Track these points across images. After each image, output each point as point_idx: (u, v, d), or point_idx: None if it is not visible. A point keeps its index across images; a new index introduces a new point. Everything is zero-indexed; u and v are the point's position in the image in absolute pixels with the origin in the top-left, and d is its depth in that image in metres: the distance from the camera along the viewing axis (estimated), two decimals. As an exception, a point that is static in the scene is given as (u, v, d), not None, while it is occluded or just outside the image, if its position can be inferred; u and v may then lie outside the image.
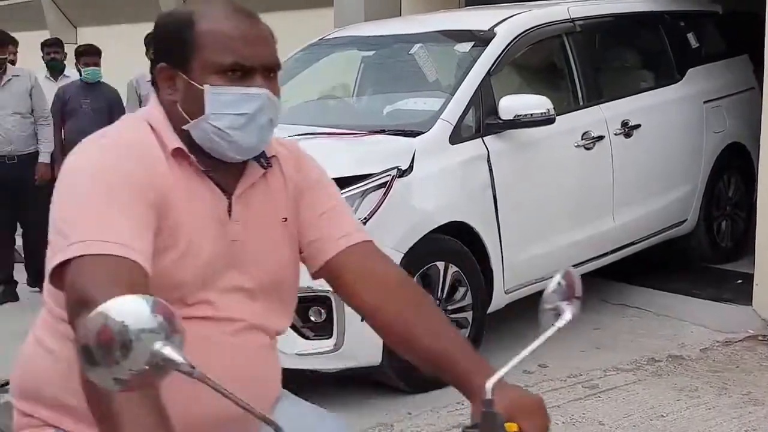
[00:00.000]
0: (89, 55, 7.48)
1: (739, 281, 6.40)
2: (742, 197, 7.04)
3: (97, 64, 7.47)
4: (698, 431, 4.25)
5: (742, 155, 6.97)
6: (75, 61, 7.57)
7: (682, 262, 6.84)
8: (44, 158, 6.84)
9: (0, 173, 6.65)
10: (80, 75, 7.50)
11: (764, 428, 4.28)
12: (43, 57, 8.46)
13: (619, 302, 6.19)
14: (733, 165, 6.90)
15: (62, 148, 7.33)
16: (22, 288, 6.78)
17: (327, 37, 6.35)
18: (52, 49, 8.40)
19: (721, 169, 6.75)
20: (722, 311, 5.96)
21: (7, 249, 6.88)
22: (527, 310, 5.58)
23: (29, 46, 8.53)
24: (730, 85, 6.91)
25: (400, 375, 4.59)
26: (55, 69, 8.36)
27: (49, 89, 7.71)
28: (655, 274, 6.62)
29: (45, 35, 9.89)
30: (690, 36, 6.78)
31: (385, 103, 5.56)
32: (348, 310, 4.26)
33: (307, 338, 4.43)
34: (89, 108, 7.32)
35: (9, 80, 6.68)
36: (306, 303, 4.39)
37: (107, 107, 7.39)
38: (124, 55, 7.50)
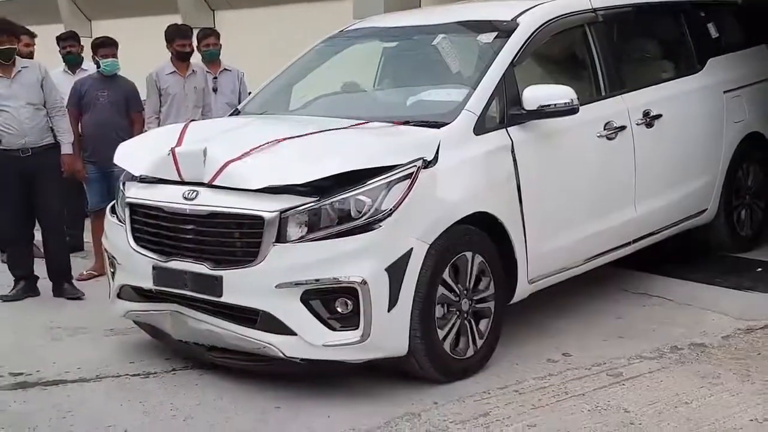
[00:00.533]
0: (106, 46, 7.48)
1: (759, 269, 6.45)
2: (761, 187, 7.04)
3: (115, 56, 7.46)
4: (722, 417, 4.27)
5: (761, 145, 6.97)
6: (92, 53, 7.59)
7: (702, 251, 6.86)
8: (67, 149, 6.77)
9: (16, 166, 6.56)
10: (98, 67, 7.50)
11: (787, 414, 4.31)
12: (59, 51, 8.43)
13: (641, 291, 6.22)
14: (752, 155, 6.90)
15: (80, 141, 7.37)
16: (43, 282, 6.80)
17: (348, 29, 6.35)
18: (68, 43, 8.36)
19: (740, 158, 6.75)
20: (743, 299, 6.01)
21: (25, 244, 6.83)
22: (550, 302, 5.64)
23: (44, 39, 8.52)
24: (749, 75, 6.91)
25: (428, 364, 4.62)
26: (72, 62, 8.33)
27: (68, 83, 7.69)
28: (675, 263, 6.65)
29: (60, 29, 9.91)
30: (710, 26, 6.78)
31: (408, 95, 5.55)
32: (375, 300, 4.35)
33: (333, 329, 4.44)
34: (106, 100, 7.32)
35: (19, 71, 6.61)
36: (332, 294, 4.42)
37: (124, 100, 7.40)
38: (138, 48, 7.53)
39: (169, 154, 4.91)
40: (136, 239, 4.98)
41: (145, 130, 7.04)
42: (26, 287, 6.73)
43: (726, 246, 6.84)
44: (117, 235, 5.15)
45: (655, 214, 6.03)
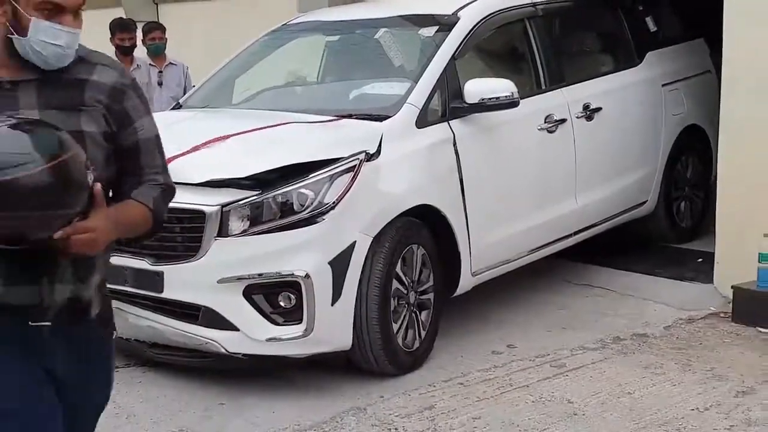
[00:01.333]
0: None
1: (700, 260, 6.51)
2: (700, 178, 7.15)
3: None
4: (664, 407, 4.33)
5: (699, 137, 7.08)
6: None
7: (642, 242, 6.95)
8: None
9: None
10: None
11: (728, 403, 4.37)
12: None
13: (583, 283, 6.27)
14: (691, 147, 7.00)
15: None
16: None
17: (291, 22, 6.33)
18: None
19: (679, 150, 6.84)
20: (684, 290, 6.08)
21: None
22: (494, 293, 5.68)
23: None
24: (687, 68, 7.00)
25: (384, 359, 4.65)
26: None
27: None
28: (617, 254, 6.72)
29: None
30: (648, 20, 6.86)
31: (350, 88, 5.55)
32: (318, 294, 4.33)
33: (276, 324, 4.42)
34: None
35: None
36: (275, 288, 4.40)
37: None
38: (81, 42, 7.39)
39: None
40: (76, 235, 4.91)
41: None
42: None
43: (666, 237, 6.93)
44: (56, 231, 5.07)
45: (596, 206, 6.09)
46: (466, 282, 5.16)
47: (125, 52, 7.44)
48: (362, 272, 4.50)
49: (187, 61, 8.06)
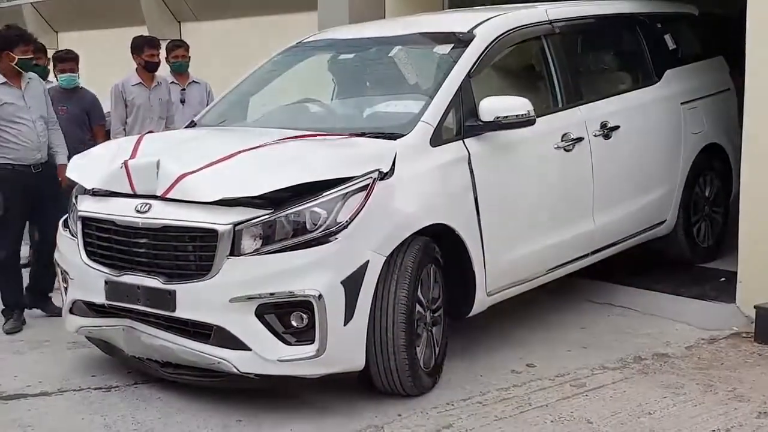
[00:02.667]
0: (65, 61, 7.40)
1: (723, 279, 6.45)
2: (720, 197, 7.07)
3: (74, 70, 7.39)
4: (685, 428, 4.28)
5: (719, 156, 7.00)
6: (52, 67, 7.48)
7: (661, 262, 6.86)
8: (63, 160, 6.36)
9: (23, 183, 6.17)
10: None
11: (750, 424, 4.31)
12: None
13: (605, 302, 6.24)
14: (710, 165, 6.92)
15: None
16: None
17: (305, 41, 6.31)
18: (35, 56, 7.87)
19: (698, 169, 6.77)
20: (707, 309, 6.02)
21: (19, 268, 6.41)
22: (514, 312, 5.61)
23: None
24: (706, 86, 6.94)
25: (409, 381, 4.63)
26: (39, 75, 7.98)
27: None
28: (639, 273, 6.67)
29: None
30: (667, 37, 6.80)
31: (364, 106, 5.52)
32: (330, 314, 4.29)
33: (288, 344, 4.37)
34: (66, 115, 7.20)
35: (27, 83, 6.32)
36: (287, 308, 4.36)
37: (84, 113, 7.35)
38: (104, 60, 7.45)
39: (121, 167, 4.83)
40: (89, 253, 4.90)
41: None
42: (21, 314, 6.29)
43: (685, 257, 6.84)
44: (69, 249, 5.06)
45: (614, 225, 6.02)
46: (481, 302, 5.10)
47: (152, 69, 7.45)
48: (382, 295, 4.47)
49: (209, 79, 8.10)
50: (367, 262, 4.41)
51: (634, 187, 6.18)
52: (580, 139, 5.68)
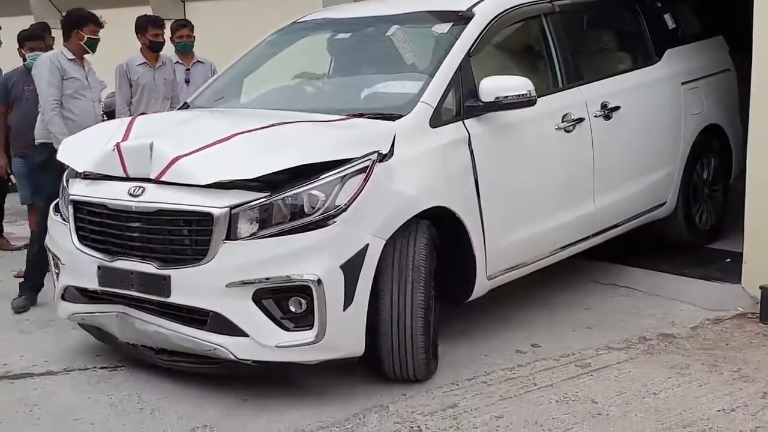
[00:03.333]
0: (33, 39, 7.31)
1: (728, 260, 6.42)
2: (719, 179, 6.99)
3: (42, 49, 7.25)
4: (690, 408, 4.27)
5: (719, 137, 6.91)
6: (18, 46, 7.41)
7: (661, 244, 6.78)
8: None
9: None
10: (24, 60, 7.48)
11: (755, 404, 4.29)
12: (22, 50, 8.17)
13: (610, 282, 6.21)
14: (710, 146, 6.83)
15: (6, 137, 7.34)
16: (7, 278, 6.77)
17: (300, 20, 6.18)
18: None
19: (699, 151, 6.67)
20: (712, 290, 5.99)
21: None
22: (518, 293, 5.53)
23: (11, 32, 8.38)
24: (706, 66, 6.85)
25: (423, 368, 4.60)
26: None
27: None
28: (644, 254, 6.63)
29: (29, 20, 9.80)
30: (667, 17, 6.70)
31: (362, 87, 5.38)
32: (329, 299, 4.19)
33: (287, 330, 4.27)
34: (31, 95, 7.09)
35: (90, 67, 6.73)
36: (285, 293, 4.26)
37: None
38: (108, 39, 7.36)
39: (114, 149, 4.72)
40: (81, 238, 4.78)
41: None
42: (35, 295, 6.33)
43: (685, 239, 6.76)
44: (60, 234, 4.94)
45: (614, 207, 5.93)
46: (481, 286, 5.01)
47: (157, 48, 7.44)
48: (398, 279, 4.41)
49: (214, 58, 8.01)
50: (367, 245, 4.31)
51: (634, 169, 6.09)
52: (580, 120, 5.58)
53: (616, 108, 5.84)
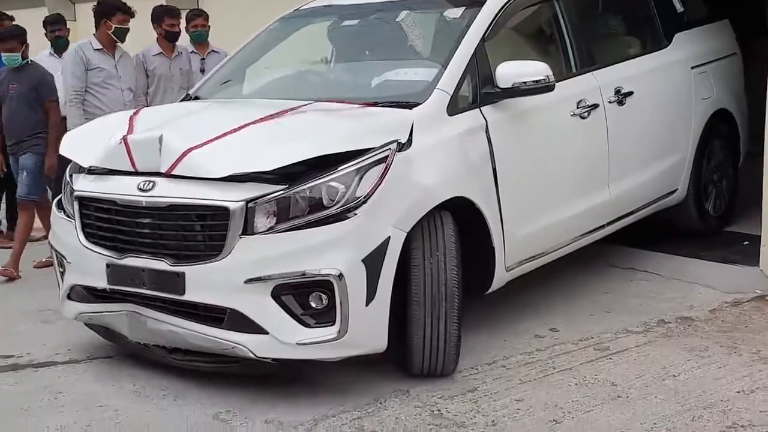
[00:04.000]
0: (5, 41, 7.19)
1: (746, 242, 6.40)
2: (728, 165, 6.89)
3: (15, 49, 7.13)
4: (709, 389, 4.27)
5: (727, 122, 6.81)
6: None
7: (670, 233, 6.68)
8: None
9: None
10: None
11: (774, 385, 4.31)
12: (46, 34, 8.42)
13: (628, 267, 6.20)
14: (719, 132, 6.73)
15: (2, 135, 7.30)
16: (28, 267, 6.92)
17: (302, 7, 6.03)
18: (56, 27, 8.33)
19: (708, 136, 6.56)
20: (730, 272, 5.98)
21: None
22: (537, 279, 5.45)
23: (27, 24, 8.31)
24: (714, 50, 6.74)
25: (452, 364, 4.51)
26: (61, 46, 8.23)
27: (53, 66, 7.70)
28: (662, 238, 6.61)
29: (43, 12, 9.69)
30: (674, 0, 6.58)
31: (373, 75, 5.21)
32: (352, 294, 4.05)
33: (308, 326, 4.12)
34: (15, 93, 7.11)
35: (121, 54, 7.05)
36: (306, 288, 4.11)
37: (33, 90, 7.10)
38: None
39: (120, 143, 4.55)
40: (87, 235, 4.61)
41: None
42: None
43: (695, 227, 6.65)
44: (65, 231, 4.77)
45: (628, 195, 5.82)
46: (500, 278, 4.87)
47: (173, 38, 7.46)
48: (431, 272, 4.29)
49: (228, 48, 7.83)
50: (389, 238, 4.16)
51: (647, 156, 5.97)
52: (595, 106, 5.45)
53: (630, 93, 5.72)
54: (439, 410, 4.16)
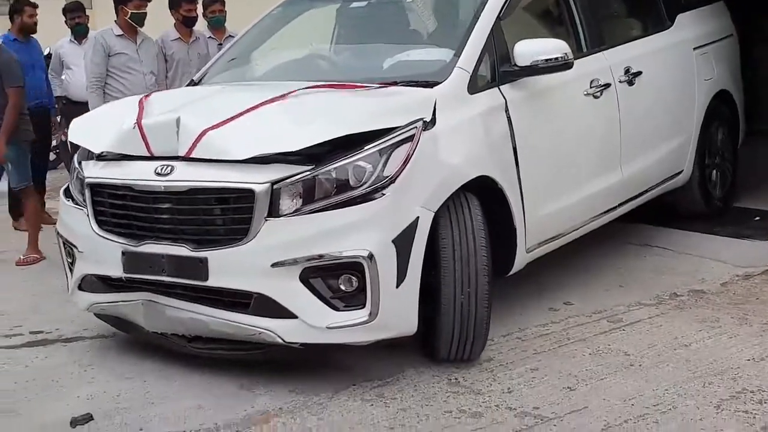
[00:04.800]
0: None
1: (757, 218, 6.54)
2: (729, 146, 6.88)
3: None
4: (720, 358, 4.34)
5: (728, 103, 6.80)
6: None
7: (672, 216, 6.67)
8: None
9: None
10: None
11: (784, 353, 4.39)
12: (66, 22, 8.61)
13: (642, 243, 6.26)
14: (720, 113, 6.71)
15: None
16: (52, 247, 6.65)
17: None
18: (76, 14, 8.54)
19: (711, 117, 6.55)
20: (742, 247, 6.11)
21: None
22: (552, 256, 5.34)
23: (45, 11, 8.51)
24: (714, 31, 6.73)
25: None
26: (81, 33, 8.54)
27: (74, 53, 8.35)
28: (676, 214, 6.67)
29: (63, 1, 9.51)
30: (674, -21, 6.56)
31: (386, 56, 5.09)
32: (382, 276, 3.95)
33: (337, 309, 4.02)
34: None
35: (143, 39, 7.20)
36: (335, 271, 4.00)
37: None
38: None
39: (134, 127, 4.42)
40: (100, 223, 4.48)
41: None
42: None
43: (698, 209, 6.62)
44: (76, 220, 4.63)
45: (639, 176, 5.78)
46: (521, 259, 4.80)
47: (190, 23, 7.49)
48: (460, 253, 4.20)
49: None
50: (417, 218, 4.07)
51: (655, 136, 5.94)
52: (607, 86, 5.40)
53: (638, 73, 5.68)
54: (456, 378, 4.23)
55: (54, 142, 9.07)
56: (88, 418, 4.04)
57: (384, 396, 4.11)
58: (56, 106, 8.60)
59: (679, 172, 6.28)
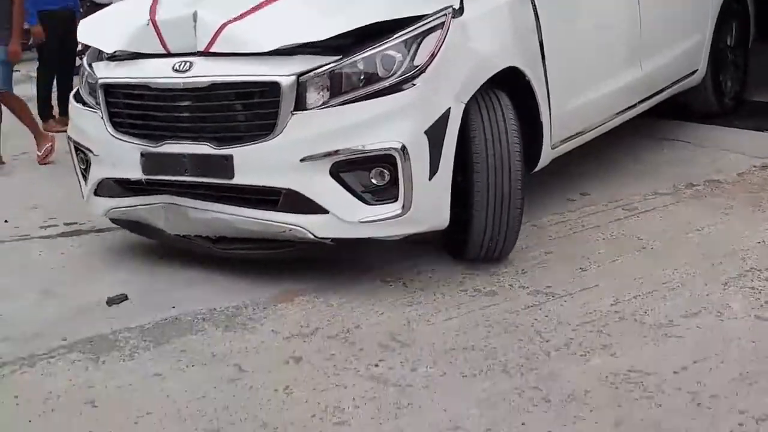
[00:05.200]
0: None
1: None
2: (740, 44, 6.77)
3: None
4: (731, 241, 4.41)
5: (739, 1, 6.68)
6: None
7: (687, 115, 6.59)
8: None
9: None
10: None
11: (798, 238, 4.45)
12: None
13: (661, 137, 6.30)
14: (734, 11, 6.59)
15: None
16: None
17: None
18: None
19: (725, 16, 6.42)
20: (760, 139, 6.16)
21: None
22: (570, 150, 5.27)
23: None
24: (724, -74, 6.56)
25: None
26: None
27: None
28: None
29: None
30: None
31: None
32: (415, 168, 3.84)
33: (369, 204, 3.90)
34: None
35: None
36: (366, 164, 3.87)
37: None
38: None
39: (148, 24, 4.25)
40: (116, 125, 4.33)
41: None
42: None
43: (713, 109, 6.55)
44: (89, 123, 4.48)
45: (657, 73, 5.68)
46: (546, 155, 4.69)
47: None
48: (485, 146, 4.06)
49: None
50: (449, 109, 3.94)
51: (672, 33, 5.84)
52: (627, -24, 5.26)
53: (658, -36, 5.54)
54: (472, 263, 4.30)
55: (79, 47, 8.74)
56: (123, 297, 4.19)
57: (403, 278, 4.20)
58: (80, 9, 8.37)
59: (695, 71, 6.18)
